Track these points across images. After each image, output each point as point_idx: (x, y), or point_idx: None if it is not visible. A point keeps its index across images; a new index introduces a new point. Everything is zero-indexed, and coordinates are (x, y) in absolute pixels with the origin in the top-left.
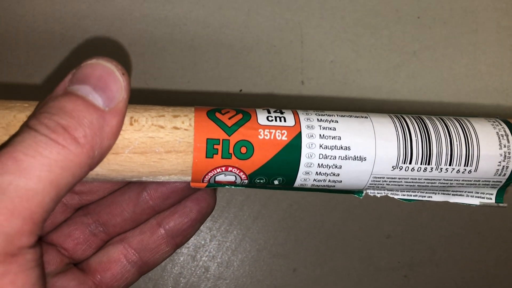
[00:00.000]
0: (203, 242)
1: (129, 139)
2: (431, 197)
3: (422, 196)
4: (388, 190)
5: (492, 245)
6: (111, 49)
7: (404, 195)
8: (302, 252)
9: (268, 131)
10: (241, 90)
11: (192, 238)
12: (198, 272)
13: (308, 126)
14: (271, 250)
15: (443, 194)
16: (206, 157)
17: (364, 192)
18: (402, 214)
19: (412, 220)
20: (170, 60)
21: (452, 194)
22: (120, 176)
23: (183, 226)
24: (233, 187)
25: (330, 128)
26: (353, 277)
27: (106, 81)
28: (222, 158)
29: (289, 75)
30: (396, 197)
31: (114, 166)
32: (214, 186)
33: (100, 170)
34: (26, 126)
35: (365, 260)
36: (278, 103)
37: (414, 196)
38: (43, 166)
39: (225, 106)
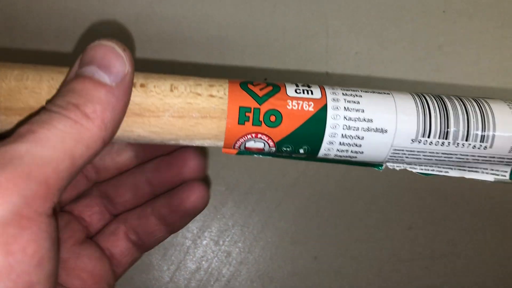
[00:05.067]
0: (225, 227)
1: (169, 103)
2: (448, 172)
3: (439, 171)
4: (407, 163)
5: None
6: (137, 36)
7: (422, 169)
8: (323, 240)
9: (296, 102)
10: (265, 79)
11: (215, 223)
12: (220, 256)
13: (333, 99)
14: (292, 238)
15: (459, 169)
16: (238, 123)
17: (384, 165)
18: (424, 205)
19: (434, 212)
20: (196, 49)
21: (468, 170)
22: (159, 138)
23: (173, 219)
24: (261, 156)
25: (354, 102)
26: (374, 267)
27: (109, 59)
28: (252, 125)
29: (314, 66)
30: (414, 170)
31: (155, 128)
32: (244, 153)
33: (142, 131)
34: (43, 109)
35: (386, 250)
36: None
37: (431, 170)
38: (57, 137)
39: None
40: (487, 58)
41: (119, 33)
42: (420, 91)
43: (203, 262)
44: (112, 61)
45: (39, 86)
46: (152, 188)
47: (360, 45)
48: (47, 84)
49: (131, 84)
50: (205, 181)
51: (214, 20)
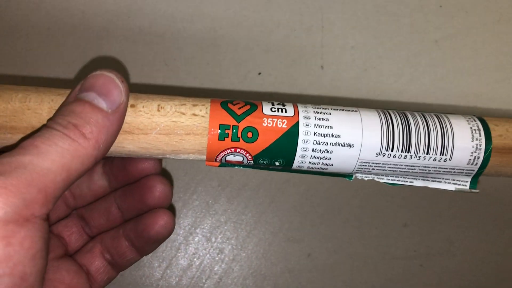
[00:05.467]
0: (218, 223)
1: (156, 122)
2: (413, 182)
3: (404, 181)
4: (374, 174)
5: (510, 237)
6: (132, 32)
7: (389, 179)
8: (317, 237)
9: (271, 119)
10: (260, 73)
11: (207, 219)
12: (212, 253)
13: (305, 117)
14: (286, 234)
15: (423, 180)
16: (219, 139)
17: (354, 175)
18: (419, 202)
19: (430, 209)
20: (190, 41)
21: (431, 180)
22: (148, 153)
23: (140, 243)
24: (241, 167)
25: (324, 119)
26: (368, 265)
27: (108, 88)
28: (231, 141)
29: (309, 59)
30: (381, 181)
31: (143, 144)
32: (226, 165)
33: (132, 147)
34: (45, 126)
35: (381, 248)
36: (297, 87)
37: (397, 180)
38: (56, 152)
39: (242, 88)
40: (484, 53)
41: (109, 26)
42: (415, 88)
43: (195, 259)
44: (111, 90)
45: (41, 107)
46: (122, 213)
47: (356, 39)
48: (48, 105)
49: (125, 112)
50: (171, 209)
51: (207, 11)
